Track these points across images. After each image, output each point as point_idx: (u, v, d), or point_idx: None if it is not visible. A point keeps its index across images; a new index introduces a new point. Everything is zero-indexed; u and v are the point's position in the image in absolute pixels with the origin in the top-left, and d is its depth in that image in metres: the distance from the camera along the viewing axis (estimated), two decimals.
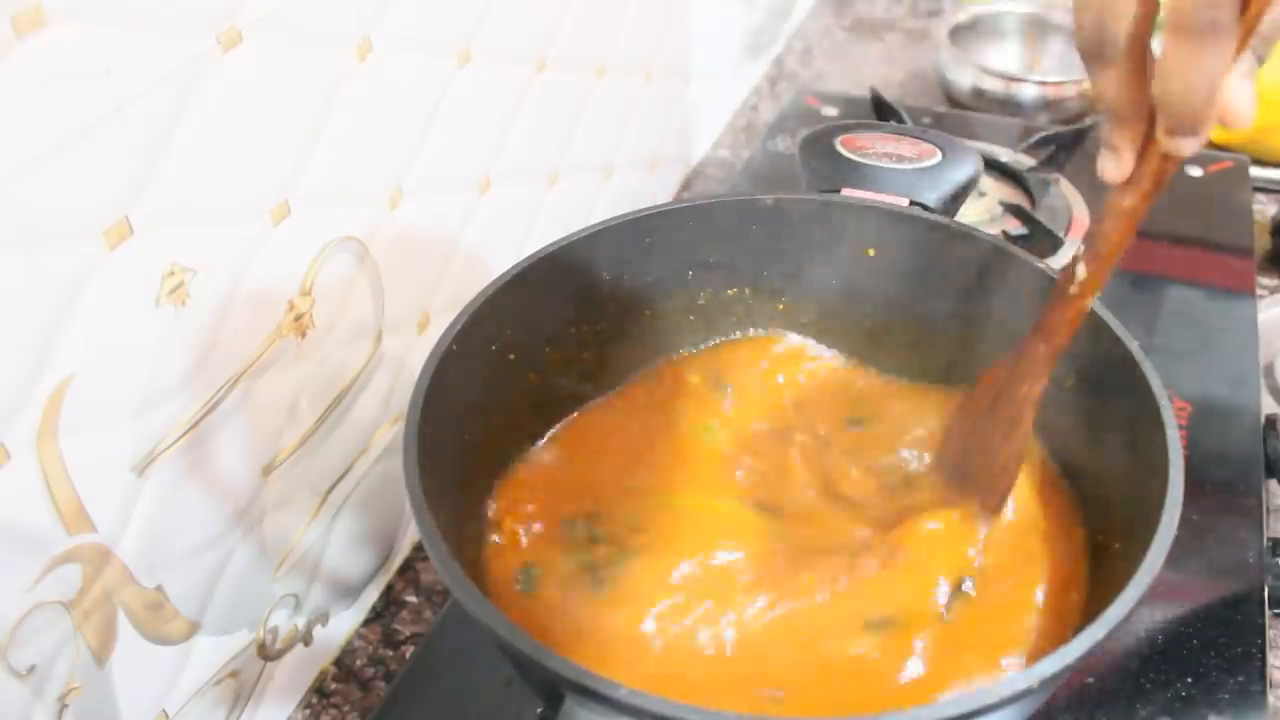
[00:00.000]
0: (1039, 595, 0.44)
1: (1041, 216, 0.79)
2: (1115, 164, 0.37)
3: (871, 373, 0.56)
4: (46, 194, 0.35)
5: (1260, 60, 0.85)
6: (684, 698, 0.32)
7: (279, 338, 0.49)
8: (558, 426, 0.53)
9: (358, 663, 0.60)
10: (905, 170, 0.56)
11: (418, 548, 0.65)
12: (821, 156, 0.57)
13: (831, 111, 0.95)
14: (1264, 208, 0.89)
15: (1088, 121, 0.91)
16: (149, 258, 0.40)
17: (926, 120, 0.94)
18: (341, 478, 0.57)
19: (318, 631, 0.58)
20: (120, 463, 0.42)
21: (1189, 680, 0.51)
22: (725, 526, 0.48)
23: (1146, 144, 0.36)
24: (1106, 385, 0.45)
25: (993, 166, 0.87)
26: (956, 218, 0.55)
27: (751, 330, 0.57)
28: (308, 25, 0.46)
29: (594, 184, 0.79)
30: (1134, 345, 0.44)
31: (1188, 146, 0.35)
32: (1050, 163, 0.87)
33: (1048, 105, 1.01)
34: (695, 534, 0.48)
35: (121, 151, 0.38)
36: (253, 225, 0.46)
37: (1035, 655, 0.42)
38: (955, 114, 0.99)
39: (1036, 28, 1.09)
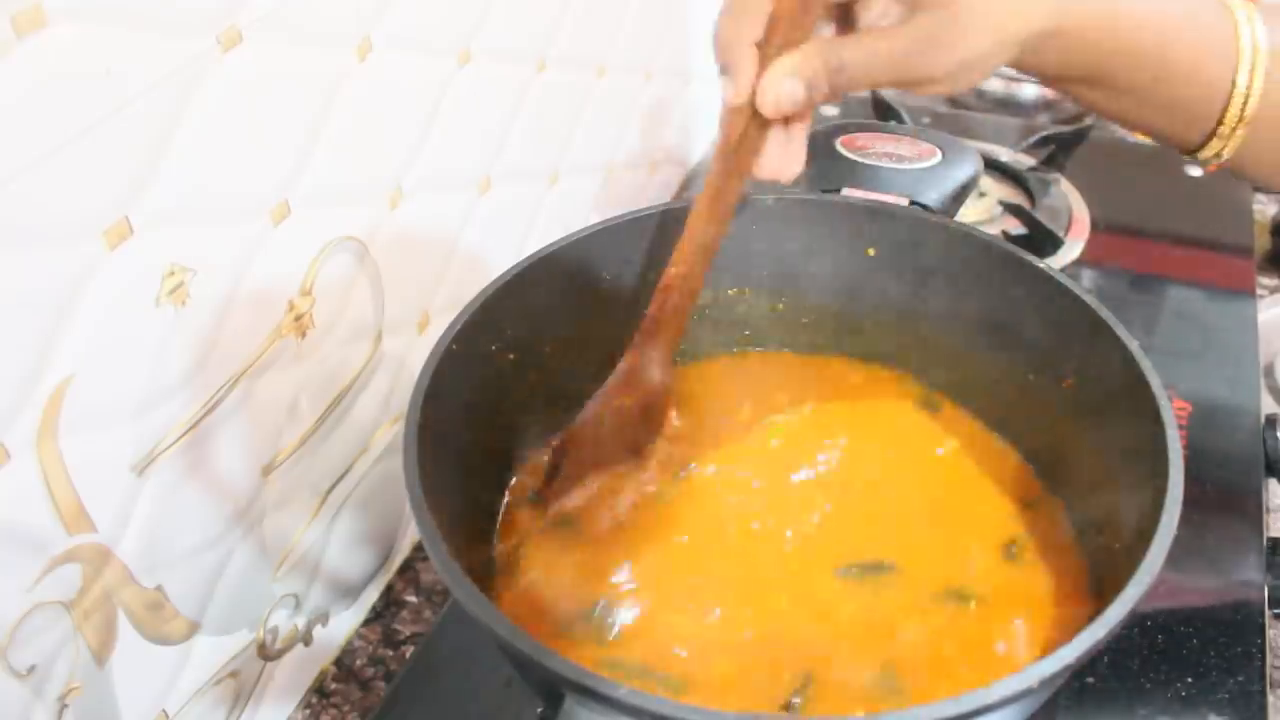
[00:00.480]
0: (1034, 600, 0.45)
1: (1041, 216, 0.79)
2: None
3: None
4: (46, 194, 0.35)
5: None
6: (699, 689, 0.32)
7: (279, 338, 0.49)
8: (558, 427, 0.53)
9: (358, 663, 0.60)
10: (905, 170, 0.56)
11: (418, 548, 0.65)
12: (821, 156, 0.57)
13: (831, 111, 0.95)
14: (1264, 208, 0.89)
15: (1088, 121, 0.91)
16: (149, 258, 0.40)
17: (926, 120, 0.94)
18: (341, 478, 0.57)
19: (318, 631, 0.58)
20: (120, 463, 0.42)
21: (1189, 680, 0.51)
22: (726, 526, 0.48)
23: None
24: (1106, 385, 0.45)
25: (993, 166, 0.87)
26: (956, 218, 0.55)
27: (749, 331, 0.57)
28: (308, 25, 0.46)
29: (594, 184, 0.79)
30: (1134, 345, 0.44)
31: (726, 87, 0.41)
32: (1050, 163, 0.87)
33: (1048, 105, 1.01)
34: (694, 534, 0.48)
35: (121, 151, 0.38)
36: (253, 225, 0.46)
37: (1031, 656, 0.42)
38: (955, 114, 0.99)
39: None
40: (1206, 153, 0.47)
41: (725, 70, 0.41)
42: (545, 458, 0.50)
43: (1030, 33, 0.42)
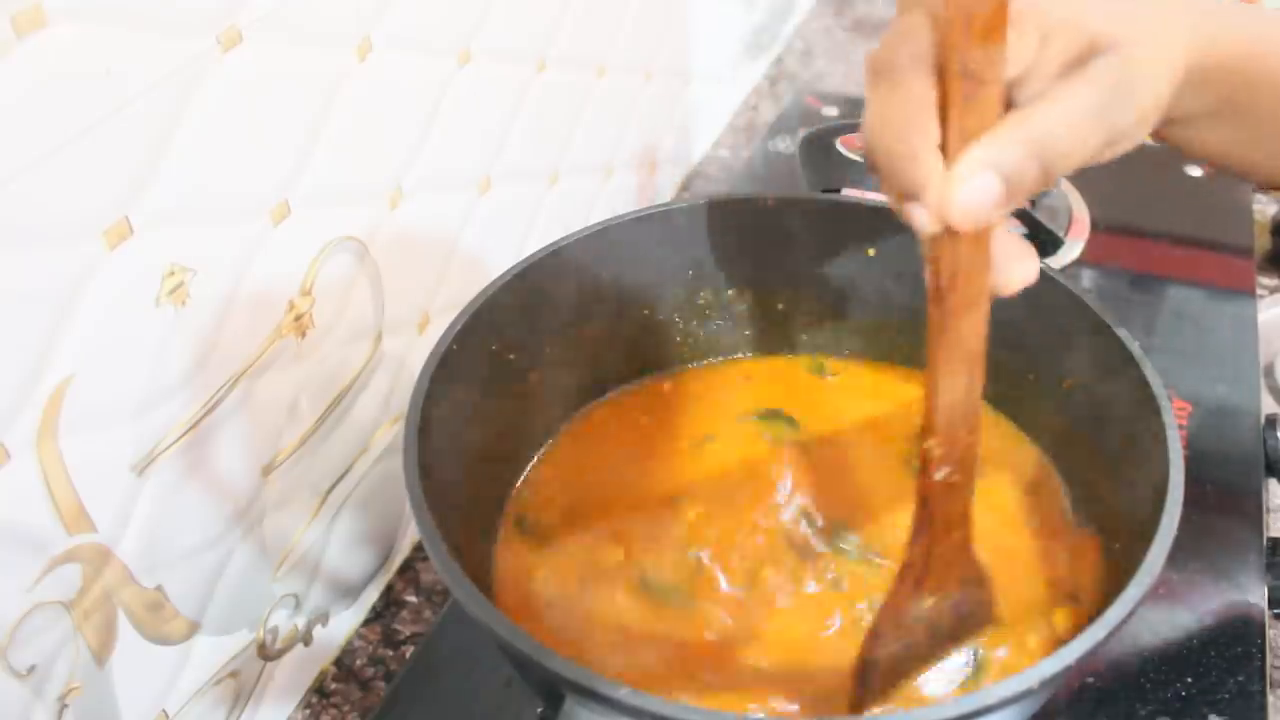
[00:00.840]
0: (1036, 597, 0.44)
1: (1041, 216, 0.79)
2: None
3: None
4: (46, 194, 0.35)
5: None
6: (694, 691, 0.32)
7: (279, 338, 0.49)
8: (558, 427, 0.53)
9: (358, 663, 0.60)
10: None
11: (418, 548, 0.65)
12: (821, 156, 0.58)
13: (831, 111, 0.95)
14: (1264, 208, 0.89)
15: None
16: (149, 258, 0.40)
17: None
18: (341, 478, 0.57)
19: (318, 631, 0.58)
20: (120, 463, 0.42)
21: (1189, 680, 0.51)
22: (725, 529, 0.48)
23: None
24: (1106, 385, 0.45)
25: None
26: None
27: (749, 331, 0.57)
28: (308, 25, 0.46)
29: (594, 184, 0.79)
30: (1134, 345, 0.44)
31: (917, 215, 0.32)
32: None
33: None
34: (695, 535, 0.48)
35: (121, 151, 0.38)
36: (253, 225, 0.46)
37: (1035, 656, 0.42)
38: None
39: None
40: None
41: (909, 190, 0.32)
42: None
43: (1184, 55, 0.36)
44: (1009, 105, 0.34)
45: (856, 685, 0.40)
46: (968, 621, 0.41)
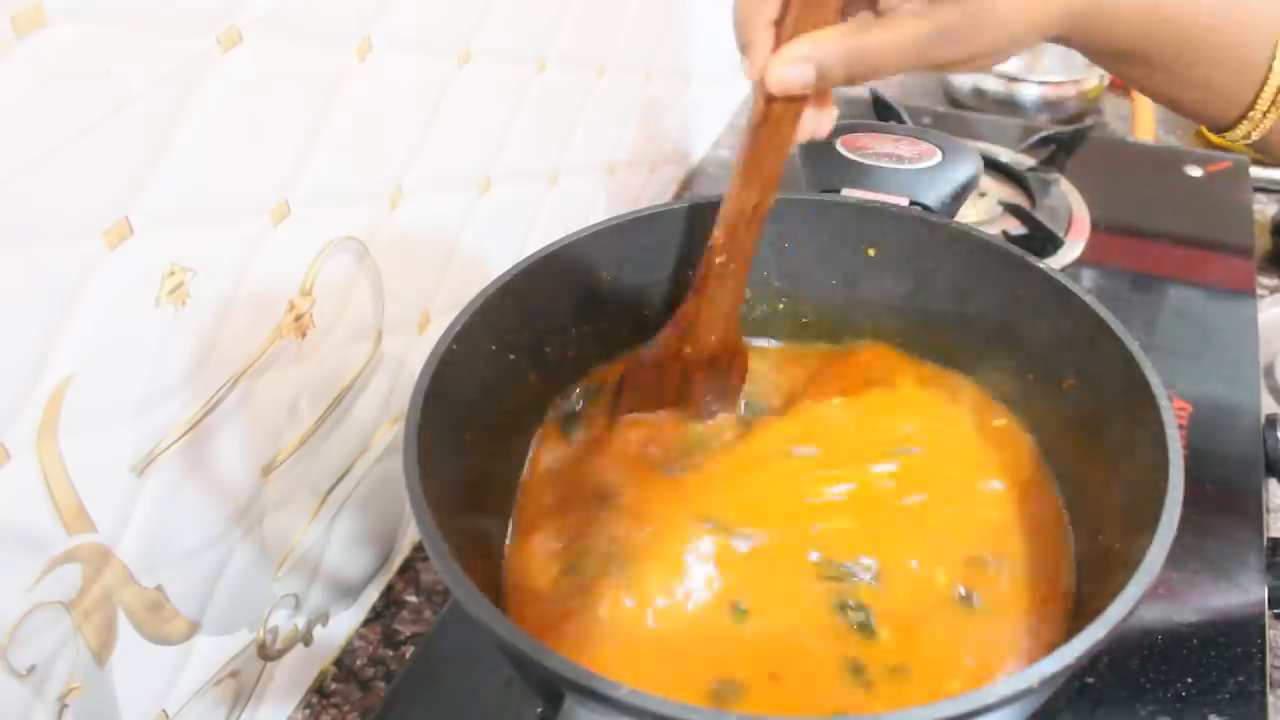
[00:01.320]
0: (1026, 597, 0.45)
1: (1041, 216, 0.79)
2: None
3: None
4: (46, 194, 0.35)
5: None
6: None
7: (279, 338, 0.49)
8: (558, 427, 0.53)
9: (358, 663, 0.60)
10: (905, 170, 0.56)
11: (418, 548, 0.65)
12: (821, 156, 0.57)
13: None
14: (1264, 208, 0.89)
15: (1088, 122, 0.91)
16: (149, 258, 0.40)
17: (926, 120, 0.94)
18: (341, 478, 0.57)
19: (318, 631, 0.58)
20: (120, 463, 0.42)
21: (1189, 680, 0.51)
22: (724, 530, 0.48)
23: None
24: (1106, 385, 0.45)
25: (993, 166, 0.87)
26: (956, 218, 0.55)
27: (749, 331, 0.57)
28: (308, 25, 0.46)
29: (594, 184, 0.79)
30: (1134, 345, 0.44)
31: (744, 65, 0.42)
32: (1050, 163, 0.87)
33: (1048, 105, 1.01)
34: (693, 536, 0.48)
35: (121, 151, 0.38)
36: (253, 225, 0.46)
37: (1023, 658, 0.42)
38: (955, 114, 0.99)
39: None
40: (1236, 133, 0.48)
41: (741, 48, 0.41)
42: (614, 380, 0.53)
43: (1063, 13, 0.41)
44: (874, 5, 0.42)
45: (612, 396, 0.52)
46: (712, 390, 0.52)
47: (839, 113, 0.44)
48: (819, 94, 0.42)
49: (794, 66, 0.40)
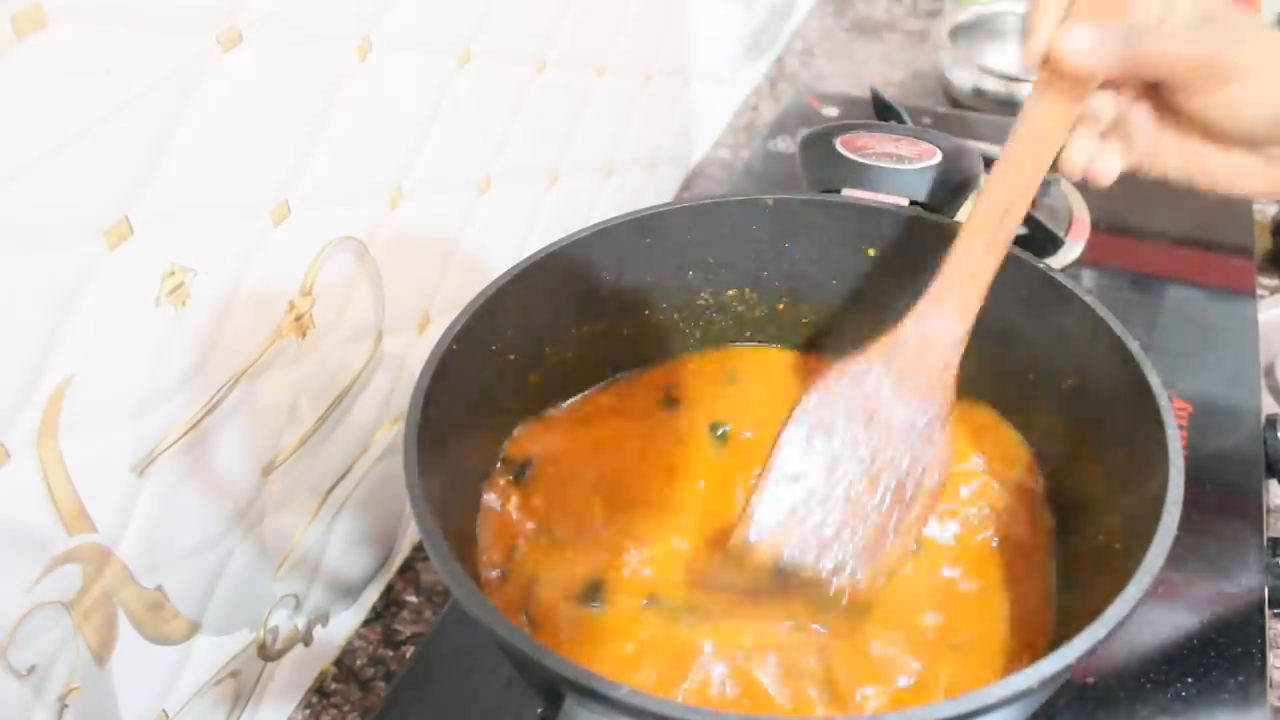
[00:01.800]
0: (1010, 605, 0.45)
1: (1041, 216, 0.79)
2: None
3: None
4: (46, 194, 0.35)
5: None
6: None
7: (279, 338, 0.49)
8: (558, 426, 0.53)
9: (358, 663, 0.60)
10: (905, 170, 0.56)
11: (418, 548, 0.65)
12: (821, 156, 0.57)
13: (831, 111, 0.95)
14: (1264, 208, 0.89)
15: None
16: (149, 258, 0.40)
17: (926, 120, 0.94)
18: (341, 478, 0.57)
19: (318, 631, 0.58)
20: (120, 463, 0.42)
21: (1189, 680, 0.51)
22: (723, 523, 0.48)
23: None
24: (1106, 385, 0.45)
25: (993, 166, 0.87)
26: (956, 218, 0.55)
27: (749, 331, 0.57)
28: (308, 25, 0.46)
29: (594, 184, 0.79)
30: (1134, 345, 0.44)
31: (1025, 47, 0.43)
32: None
33: None
34: (693, 536, 0.48)
35: (121, 151, 0.38)
36: (253, 225, 0.46)
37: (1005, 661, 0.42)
38: (955, 114, 0.98)
39: None
40: None
41: (1028, 31, 0.42)
42: None
43: None
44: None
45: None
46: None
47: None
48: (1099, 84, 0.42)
49: (1081, 36, 0.41)
